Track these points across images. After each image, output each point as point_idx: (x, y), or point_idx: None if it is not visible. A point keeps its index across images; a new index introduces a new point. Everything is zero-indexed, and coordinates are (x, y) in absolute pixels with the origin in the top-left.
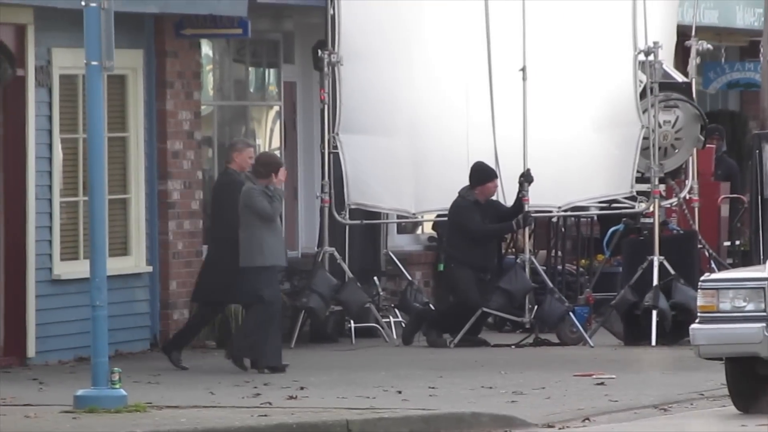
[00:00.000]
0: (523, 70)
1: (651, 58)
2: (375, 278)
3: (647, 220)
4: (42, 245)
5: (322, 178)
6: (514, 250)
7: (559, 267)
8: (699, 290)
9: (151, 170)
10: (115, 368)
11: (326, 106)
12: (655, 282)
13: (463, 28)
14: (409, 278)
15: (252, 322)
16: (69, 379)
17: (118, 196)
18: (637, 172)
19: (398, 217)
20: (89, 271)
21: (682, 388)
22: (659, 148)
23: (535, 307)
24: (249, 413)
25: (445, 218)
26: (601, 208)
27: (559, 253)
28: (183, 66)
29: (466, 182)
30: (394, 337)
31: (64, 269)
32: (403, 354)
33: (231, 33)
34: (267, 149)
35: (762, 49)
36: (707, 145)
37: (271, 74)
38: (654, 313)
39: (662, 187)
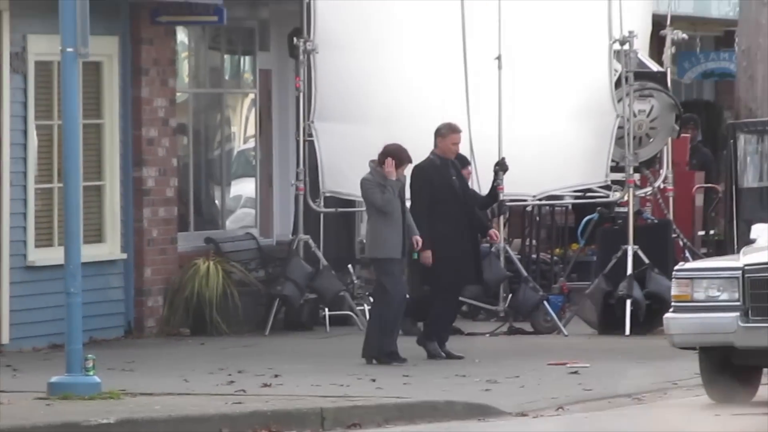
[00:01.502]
0: (499, 58)
1: (626, 47)
2: (349, 266)
3: (622, 209)
4: (16, 232)
5: (297, 165)
6: (488, 239)
7: (534, 256)
8: (673, 279)
9: (126, 157)
10: (89, 355)
11: (301, 94)
12: (630, 271)
13: (438, 17)
14: None
15: (374, 323)
16: (43, 365)
17: (93, 183)
18: (612, 161)
19: None
20: (64, 258)
21: (656, 378)
22: (634, 138)
23: (510, 295)
24: (223, 401)
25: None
26: (576, 197)
27: (534, 241)
28: (158, 53)
29: None
30: None
31: (39, 256)
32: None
33: (206, 20)
34: (242, 137)
35: (737, 39)
36: (682, 135)
37: (246, 62)
38: (628, 302)
39: (637, 176)
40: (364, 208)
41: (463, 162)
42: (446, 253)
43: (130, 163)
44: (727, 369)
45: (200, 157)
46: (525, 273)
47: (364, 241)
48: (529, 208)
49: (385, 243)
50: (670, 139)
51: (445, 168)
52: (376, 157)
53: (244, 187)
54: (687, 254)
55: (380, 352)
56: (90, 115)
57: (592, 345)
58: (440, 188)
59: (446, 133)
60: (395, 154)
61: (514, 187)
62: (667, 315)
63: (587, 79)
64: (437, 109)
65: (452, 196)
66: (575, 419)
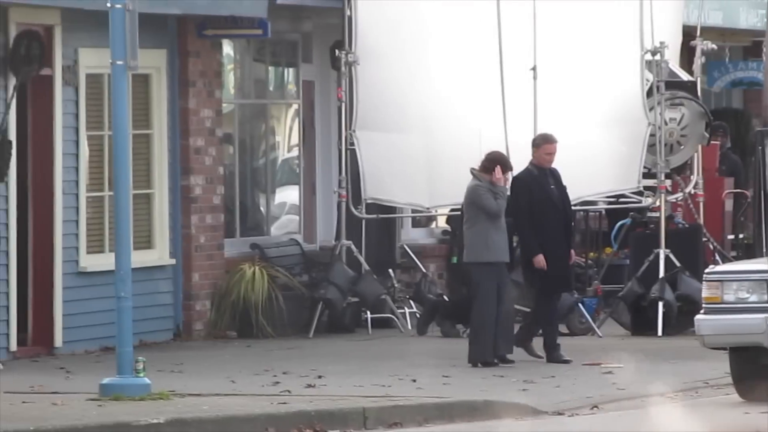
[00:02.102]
0: (534, 69)
1: (657, 57)
2: (390, 270)
3: (654, 214)
4: (69, 238)
5: (340, 173)
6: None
7: None
8: (704, 282)
9: (174, 166)
10: (140, 357)
11: (343, 104)
12: (662, 274)
13: (475, 28)
14: (424, 270)
15: (476, 317)
16: (95, 368)
17: (142, 191)
18: (644, 167)
19: (413, 211)
20: (114, 264)
21: (688, 377)
22: (665, 145)
23: None
24: (269, 401)
25: (458, 212)
26: (609, 203)
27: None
28: (205, 65)
29: None
30: (409, 327)
31: (90, 262)
32: (417, 344)
33: (251, 33)
34: (286, 146)
35: (765, 49)
36: (712, 142)
37: (290, 73)
38: (660, 304)
39: (668, 182)
40: (405, 214)
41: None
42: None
43: (178, 172)
44: (757, 368)
45: (246, 166)
46: None
47: (466, 245)
48: None
49: (494, 247)
50: (700, 146)
51: (543, 178)
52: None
53: (288, 195)
54: (717, 257)
55: (483, 354)
56: (139, 125)
57: (626, 346)
58: (539, 197)
59: (540, 143)
60: (502, 161)
61: None
62: (698, 316)
63: (620, 88)
64: (474, 118)
65: (550, 206)
66: (609, 418)
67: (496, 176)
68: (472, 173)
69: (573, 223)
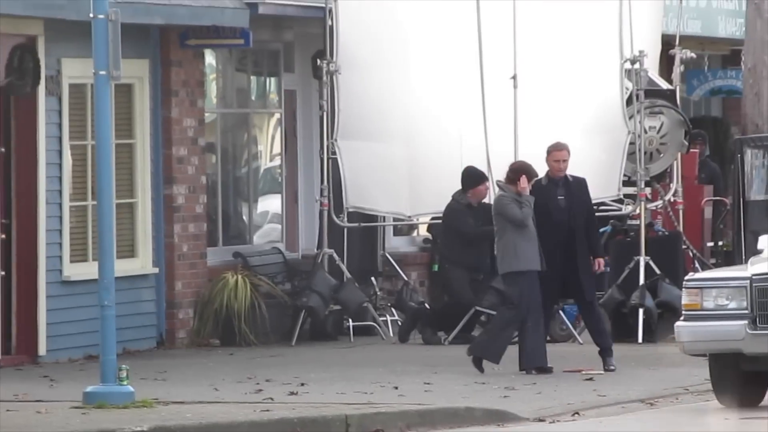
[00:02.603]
0: (514, 77)
1: (637, 66)
2: (372, 278)
3: (634, 222)
4: (52, 248)
5: (322, 182)
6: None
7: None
8: (684, 289)
9: (157, 175)
10: (123, 365)
11: (325, 114)
12: (642, 281)
13: (456, 38)
14: (405, 278)
15: (498, 323)
16: (79, 376)
17: (125, 201)
18: (624, 175)
19: (394, 219)
20: (98, 273)
21: (668, 383)
22: (645, 153)
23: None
24: (252, 408)
25: (440, 221)
26: None
27: None
28: (187, 75)
29: (459, 186)
30: (391, 335)
31: (74, 270)
32: (399, 351)
33: (233, 43)
34: (269, 155)
35: (743, 58)
36: (691, 150)
37: (272, 83)
38: (640, 311)
39: (648, 190)
40: (386, 223)
41: (482, 178)
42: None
43: (161, 181)
44: (736, 375)
45: (228, 175)
46: None
47: (498, 256)
48: None
49: (524, 256)
50: (679, 154)
51: (549, 187)
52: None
53: (271, 204)
54: (697, 265)
55: (483, 352)
56: (122, 135)
57: None
58: (539, 209)
59: (550, 150)
60: (527, 170)
61: None
62: (678, 323)
63: (600, 97)
64: (455, 126)
65: (546, 216)
66: (590, 424)
67: (521, 186)
68: (498, 185)
69: (590, 233)
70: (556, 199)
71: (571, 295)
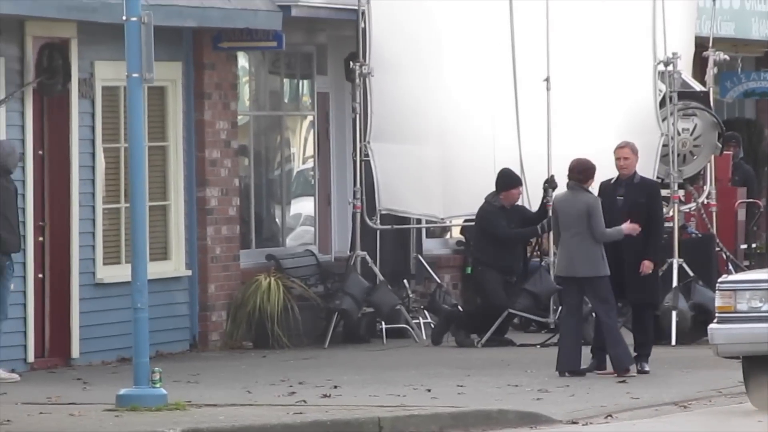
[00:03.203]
0: (547, 80)
1: (670, 68)
2: (405, 281)
3: (667, 224)
4: (85, 250)
5: (354, 185)
6: (539, 253)
7: None
8: (717, 291)
9: (189, 178)
10: (156, 368)
11: (358, 116)
12: (675, 283)
13: (489, 40)
14: (438, 281)
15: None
16: (112, 378)
17: (158, 203)
18: (657, 177)
19: (427, 222)
20: (131, 275)
21: (701, 386)
22: (678, 155)
23: (560, 308)
24: (285, 411)
25: (473, 223)
26: None
27: None
28: (220, 77)
29: (492, 188)
30: (424, 337)
31: (107, 273)
32: (432, 354)
33: (266, 45)
34: (301, 158)
35: None
36: (724, 152)
37: (304, 85)
38: (674, 313)
39: (681, 192)
40: (419, 225)
41: (517, 182)
42: None
43: (194, 184)
44: None
45: (261, 178)
46: None
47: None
48: None
49: (604, 260)
50: (713, 156)
51: (614, 187)
52: (430, 175)
53: (304, 206)
54: (730, 267)
55: (559, 363)
56: (155, 137)
57: None
58: (603, 207)
59: (614, 150)
60: (593, 168)
61: None
62: (712, 325)
63: (633, 99)
64: (488, 128)
65: (606, 216)
66: (623, 426)
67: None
68: (582, 188)
69: (648, 236)
70: (615, 199)
71: (617, 295)
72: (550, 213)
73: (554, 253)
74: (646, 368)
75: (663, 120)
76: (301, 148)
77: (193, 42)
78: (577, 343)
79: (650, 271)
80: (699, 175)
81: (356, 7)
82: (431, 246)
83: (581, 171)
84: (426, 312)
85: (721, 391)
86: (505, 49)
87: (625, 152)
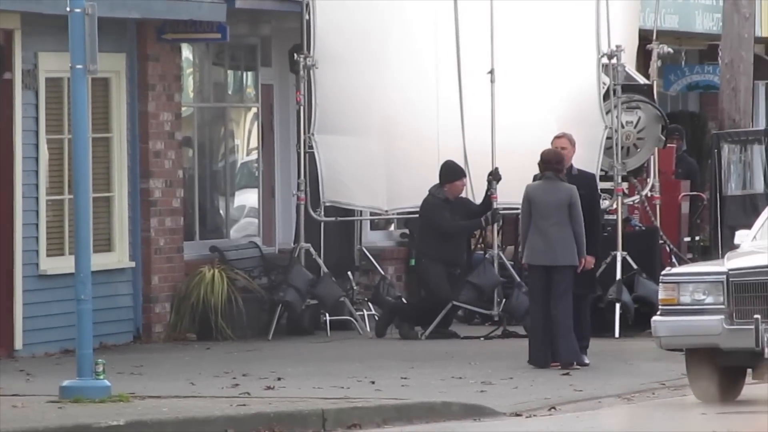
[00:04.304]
0: (491, 72)
1: (614, 61)
2: (349, 273)
3: (611, 217)
4: (29, 242)
5: (298, 176)
6: (482, 245)
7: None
8: (660, 284)
9: (133, 169)
10: (100, 360)
11: (302, 108)
12: (619, 276)
13: (433, 32)
14: (382, 273)
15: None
16: (55, 370)
17: (102, 194)
18: (601, 170)
19: (371, 214)
20: (74, 267)
21: (645, 378)
22: (622, 148)
23: (503, 300)
24: (228, 403)
25: (417, 215)
26: None
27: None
28: (164, 69)
29: (436, 181)
30: (368, 329)
31: (50, 265)
32: (376, 346)
33: (210, 37)
34: (246, 150)
35: (720, 53)
36: (668, 145)
37: (248, 77)
38: (617, 305)
39: (625, 185)
40: (363, 217)
41: (461, 173)
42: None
43: (138, 175)
44: (713, 370)
45: (205, 169)
46: (518, 278)
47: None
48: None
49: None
50: (656, 149)
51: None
52: (374, 168)
53: (248, 198)
54: (674, 259)
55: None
56: (99, 129)
57: None
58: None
59: (552, 140)
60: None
61: (507, 196)
62: (655, 318)
63: (576, 91)
64: (432, 120)
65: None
66: (567, 419)
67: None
68: (559, 178)
69: (589, 226)
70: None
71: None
72: (521, 203)
73: (498, 246)
74: (586, 361)
75: (607, 113)
76: (245, 140)
77: (137, 34)
78: (546, 334)
79: (592, 266)
80: (642, 167)
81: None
82: (375, 238)
83: (558, 161)
84: (370, 304)
85: (664, 383)
86: (449, 42)
87: (562, 142)
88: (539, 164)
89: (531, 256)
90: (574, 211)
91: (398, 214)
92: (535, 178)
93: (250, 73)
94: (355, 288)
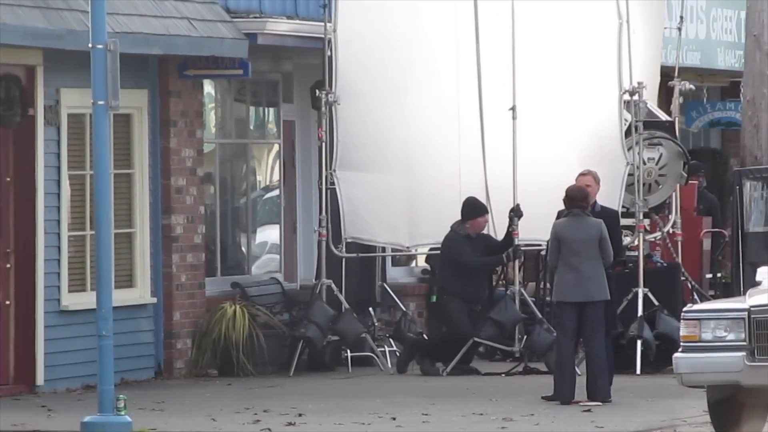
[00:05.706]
0: (513, 108)
1: (636, 97)
2: (370, 309)
3: (632, 254)
4: (50, 277)
5: (320, 213)
6: (504, 282)
7: (548, 298)
8: (682, 321)
9: (155, 205)
10: (121, 395)
11: (323, 144)
12: (640, 312)
13: (454, 68)
14: (403, 309)
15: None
16: (76, 406)
17: (123, 230)
18: (623, 207)
19: (393, 250)
20: (96, 302)
21: (666, 415)
22: (644, 184)
23: (525, 336)
24: None
25: (438, 251)
26: None
27: (548, 285)
28: (186, 105)
29: (458, 217)
30: (389, 365)
31: (72, 300)
32: (397, 382)
33: (232, 74)
34: (266, 185)
35: (742, 90)
36: (690, 182)
37: (270, 113)
38: (639, 342)
39: (646, 221)
40: (385, 253)
41: (483, 210)
42: None
43: (159, 211)
44: (734, 406)
45: (227, 205)
46: (539, 315)
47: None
48: (543, 253)
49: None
50: (678, 186)
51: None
52: (396, 204)
53: (269, 234)
54: (695, 296)
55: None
56: (121, 165)
57: None
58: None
59: (576, 177)
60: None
61: (528, 233)
62: (676, 354)
63: (598, 128)
64: (454, 157)
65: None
66: None
67: None
68: (587, 214)
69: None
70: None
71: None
72: (549, 240)
73: (520, 283)
74: (609, 398)
75: (628, 149)
76: (267, 176)
77: (159, 69)
78: (574, 371)
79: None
80: (664, 204)
81: (322, 36)
82: (396, 274)
83: (583, 198)
84: (391, 340)
85: (685, 420)
86: (471, 78)
87: (587, 179)
88: (564, 201)
89: (562, 293)
90: (605, 245)
91: (419, 250)
92: (560, 214)
93: (271, 110)
94: (376, 324)
